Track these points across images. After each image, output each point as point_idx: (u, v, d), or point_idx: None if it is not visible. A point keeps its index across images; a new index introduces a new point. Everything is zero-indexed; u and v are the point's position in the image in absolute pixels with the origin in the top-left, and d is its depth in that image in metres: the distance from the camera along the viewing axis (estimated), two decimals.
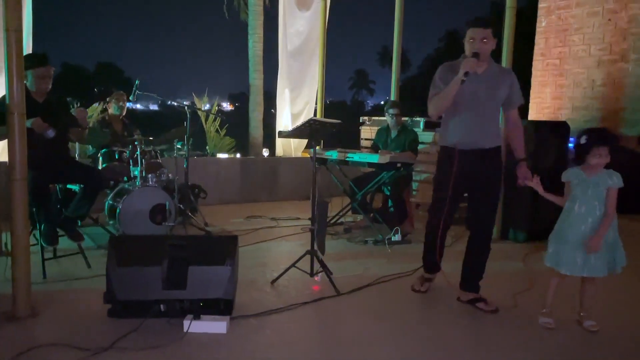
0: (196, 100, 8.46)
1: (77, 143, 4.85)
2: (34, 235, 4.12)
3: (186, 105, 4.95)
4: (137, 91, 5.10)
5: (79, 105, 6.72)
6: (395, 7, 6.46)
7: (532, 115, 10.28)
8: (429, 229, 3.63)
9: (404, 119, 6.09)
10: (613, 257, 3.14)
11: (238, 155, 7.57)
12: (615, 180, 3.06)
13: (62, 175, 4.08)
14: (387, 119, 5.86)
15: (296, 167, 7.38)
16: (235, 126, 10.89)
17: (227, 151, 8.35)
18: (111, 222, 4.88)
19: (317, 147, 5.23)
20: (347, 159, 5.39)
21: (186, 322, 3.00)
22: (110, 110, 5.52)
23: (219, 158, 7.38)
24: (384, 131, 5.95)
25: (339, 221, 5.86)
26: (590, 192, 3.10)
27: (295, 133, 3.81)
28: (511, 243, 5.40)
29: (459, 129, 3.33)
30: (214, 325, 3.01)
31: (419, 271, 4.00)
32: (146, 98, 5.93)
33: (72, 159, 4.25)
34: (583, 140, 3.07)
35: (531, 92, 10.30)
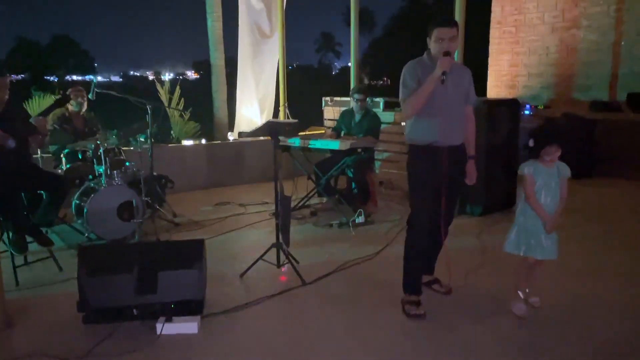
0: (158, 87, 8.38)
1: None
2: (3, 241, 4.19)
3: (146, 102, 4.96)
4: (96, 89, 5.10)
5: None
6: None
7: (491, 83, 10.54)
8: (413, 243, 3.46)
9: (367, 101, 6.24)
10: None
11: (203, 141, 7.60)
12: (568, 171, 3.32)
13: (26, 183, 4.13)
14: (351, 103, 6.00)
15: (261, 150, 7.49)
16: (201, 101, 10.82)
17: (192, 135, 8.38)
18: (79, 221, 4.96)
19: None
20: (310, 146, 5.53)
21: (159, 325, 3.17)
22: (70, 107, 5.50)
23: (184, 145, 7.42)
24: (347, 114, 6.10)
25: (305, 204, 6.04)
26: (553, 183, 3.27)
27: (256, 133, 3.93)
28: (468, 217, 5.68)
29: (432, 127, 3.31)
30: (185, 327, 3.19)
31: (398, 295, 3.55)
32: (105, 95, 5.86)
33: (35, 166, 4.29)
34: (531, 143, 3.23)
35: (489, 60, 10.52)
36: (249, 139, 7.18)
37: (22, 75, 49.35)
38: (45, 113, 4.08)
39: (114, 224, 4.83)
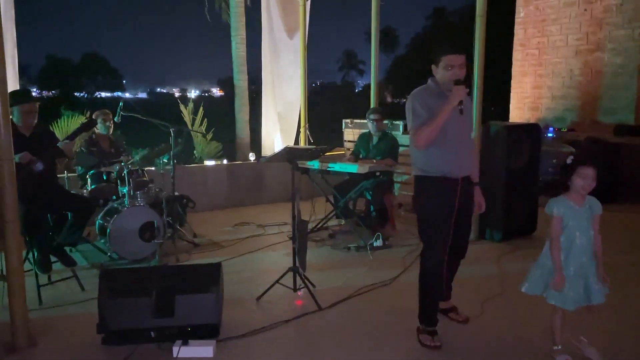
0: (182, 107, 8.56)
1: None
2: (28, 260, 4.32)
3: (169, 125, 5.09)
4: (122, 112, 5.25)
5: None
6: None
7: (514, 105, 10.50)
8: (427, 277, 3.36)
9: (384, 122, 6.29)
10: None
11: (225, 161, 7.72)
12: (600, 208, 3.08)
13: (52, 205, 4.26)
14: (368, 124, 6.06)
15: (281, 170, 7.56)
16: (224, 121, 11.00)
17: (214, 155, 8.51)
18: (102, 241, 5.07)
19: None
20: (329, 169, 5.58)
21: (175, 348, 3.22)
22: (97, 130, 5.67)
23: (206, 165, 7.54)
24: (365, 137, 6.15)
25: (324, 226, 6.08)
26: (585, 222, 3.02)
27: (274, 158, 3.99)
28: (488, 243, 5.64)
29: (446, 158, 3.24)
30: (201, 350, 3.23)
31: (413, 322, 3.48)
32: (131, 118, 6.04)
33: (62, 188, 4.43)
34: (569, 160, 3.05)
35: (512, 82, 10.50)
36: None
37: (53, 92, 50.79)
38: (72, 136, 4.22)
39: (135, 244, 4.94)
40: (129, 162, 5.10)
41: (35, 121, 4.19)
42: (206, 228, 6.30)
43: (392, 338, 3.50)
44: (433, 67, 3.28)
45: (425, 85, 3.36)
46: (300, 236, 4.09)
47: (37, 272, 4.08)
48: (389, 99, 41.67)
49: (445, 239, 3.28)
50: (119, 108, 5.24)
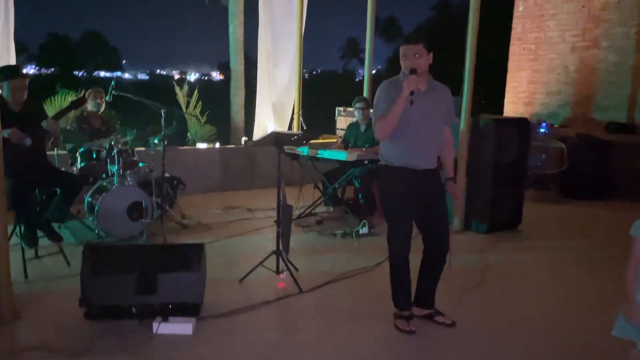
0: (176, 89, 8.57)
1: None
2: (16, 234, 4.37)
3: (160, 106, 5.10)
4: (113, 91, 5.26)
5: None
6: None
7: (508, 99, 10.53)
8: (395, 261, 3.41)
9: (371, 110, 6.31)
10: None
11: (217, 145, 7.75)
12: None
13: (40, 181, 4.30)
14: (355, 113, 6.11)
15: (274, 156, 7.58)
16: (221, 104, 11.01)
17: (208, 139, 8.54)
18: (90, 219, 5.12)
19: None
20: (318, 156, 5.63)
21: (155, 325, 3.28)
22: (89, 107, 5.69)
23: (198, 148, 7.58)
24: (354, 127, 6.20)
25: (311, 212, 6.13)
26: None
27: (261, 143, 4.04)
28: (473, 234, 5.71)
29: (408, 149, 3.26)
30: (180, 327, 3.30)
31: (391, 308, 3.54)
32: (123, 97, 6.05)
33: (50, 164, 4.46)
34: None
35: (508, 76, 10.52)
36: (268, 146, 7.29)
37: (52, 70, 50.43)
38: (58, 115, 4.24)
39: (123, 223, 4.98)
40: (119, 141, 5.13)
41: (25, 97, 4.21)
42: (196, 210, 6.35)
43: (368, 322, 3.57)
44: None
45: (396, 77, 3.35)
46: (285, 220, 4.14)
47: (23, 246, 4.13)
48: None
49: (405, 228, 3.31)
50: (110, 87, 5.25)
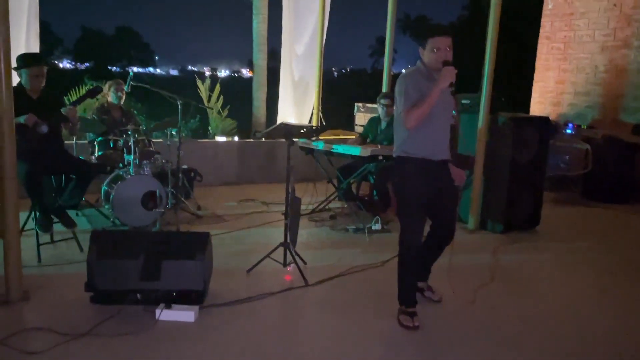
0: (198, 83, 8.66)
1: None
2: (32, 219, 4.47)
3: (177, 97, 5.16)
4: (132, 82, 5.35)
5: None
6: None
7: (535, 99, 10.32)
8: (408, 253, 3.36)
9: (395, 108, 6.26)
10: None
11: (236, 138, 7.80)
12: None
13: (54, 167, 4.39)
14: (378, 108, 6.06)
15: (295, 150, 7.60)
16: (248, 99, 11.09)
17: (228, 133, 8.60)
18: (106, 207, 5.21)
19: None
20: (332, 150, 5.61)
21: (158, 311, 3.32)
22: (109, 99, 5.79)
23: (217, 141, 7.65)
24: (374, 122, 6.16)
25: (325, 207, 6.12)
26: None
27: (270, 134, 4.04)
28: (488, 234, 5.61)
29: (429, 140, 3.29)
30: (183, 314, 3.33)
31: (397, 305, 3.50)
32: (141, 88, 6.13)
33: (65, 151, 4.55)
34: None
35: (535, 75, 10.30)
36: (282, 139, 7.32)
37: (87, 64, 51.57)
38: (76, 102, 4.33)
39: (137, 211, 5.05)
40: (136, 131, 5.20)
41: (43, 85, 4.30)
42: (211, 202, 6.41)
43: (372, 318, 3.54)
44: (420, 49, 3.29)
45: (415, 67, 3.35)
46: (293, 212, 4.14)
47: (38, 231, 4.23)
48: None
49: (420, 222, 3.33)
50: (129, 78, 5.34)
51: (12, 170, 3.37)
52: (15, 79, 4.17)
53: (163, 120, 5.43)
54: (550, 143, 7.90)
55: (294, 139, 4.15)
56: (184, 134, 5.45)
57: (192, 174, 6.52)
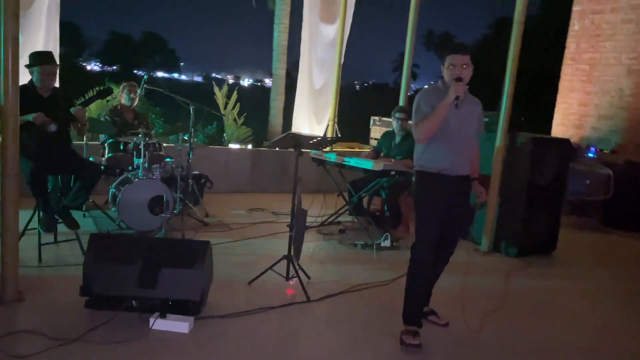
0: (215, 90, 8.63)
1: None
2: (35, 218, 4.42)
3: (189, 102, 5.11)
4: (145, 85, 5.32)
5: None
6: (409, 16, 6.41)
7: (557, 121, 10.10)
8: (418, 269, 3.35)
9: (409, 122, 6.14)
10: None
11: (249, 147, 7.74)
12: None
13: (60, 166, 4.33)
14: (393, 123, 5.94)
15: (306, 161, 7.52)
16: (266, 108, 11.07)
17: (243, 140, 8.55)
18: (113, 209, 5.16)
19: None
20: (344, 163, 5.50)
21: (151, 320, 3.22)
22: (122, 101, 5.77)
23: (230, 148, 7.59)
24: (388, 136, 6.03)
25: (335, 221, 6.00)
26: None
27: (277, 144, 3.95)
28: (502, 257, 5.43)
29: (443, 154, 3.31)
30: (177, 325, 3.22)
31: (401, 325, 3.41)
32: (155, 91, 6.14)
33: (72, 151, 4.50)
34: None
35: (558, 96, 10.09)
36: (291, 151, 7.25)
37: (114, 68, 52.34)
38: (86, 103, 4.30)
39: (143, 215, 4.98)
40: (147, 135, 5.15)
41: (54, 84, 4.28)
42: (220, 209, 6.32)
43: (372, 338, 3.40)
44: (442, 67, 3.34)
45: (435, 84, 3.42)
46: (298, 225, 4.03)
47: (40, 230, 4.18)
48: None
49: (432, 235, 3.31)
50: (142, 81, 5.31)
51: (13, 168, 3.32)
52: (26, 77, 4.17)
53: (175, 125, 5.38)
54: (571, 166, 7.74)
55: (305, 150, 4.06)
56: (195, 140, 5.39)
57: (203, 180, 6.47)
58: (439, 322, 3.60)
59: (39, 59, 4.18)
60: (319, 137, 3.91)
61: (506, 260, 5.32)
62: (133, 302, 3.37)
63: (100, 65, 56.26)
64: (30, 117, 3.90)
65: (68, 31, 53.39)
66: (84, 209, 5.11)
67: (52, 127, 4.07)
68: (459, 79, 3.17)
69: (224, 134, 8.75)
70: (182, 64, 71.38)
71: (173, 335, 3.18)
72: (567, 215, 7.34)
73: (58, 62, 4.30)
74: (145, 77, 5.30)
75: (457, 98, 3.14)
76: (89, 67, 52.54)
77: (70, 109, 4.20)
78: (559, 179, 5.51)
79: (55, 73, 4.27)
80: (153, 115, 10.90)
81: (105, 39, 59.30)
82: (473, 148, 3.47)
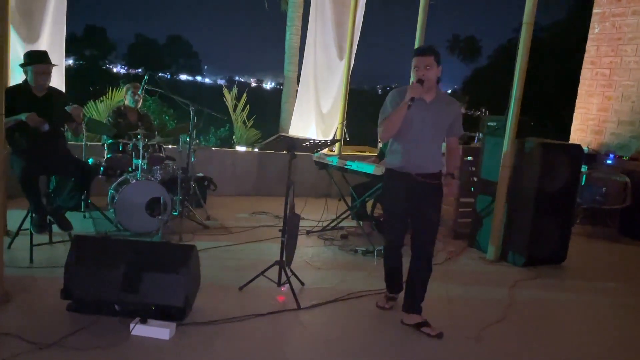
0: (225, 91, 8.58)
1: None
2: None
3: (189, 103, 5.05)
4: (146, 86, 5.27)
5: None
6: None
7: (576, 126, 9.81)
8: (386, 246, 3.80)
9: None
10: None
11: (256, 150, 7.65)
12: None
13: (52, 167, 4.30)
14: None
15: (309, 164, 7.41)
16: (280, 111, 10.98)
17: (252, 142, 8.48)
18: (111, 210, 5.12)
19: (321, 151, 5.30)
20: (346, 167, 5.37)
21: (132, 325, 3.14)
22: (126, 102, 5.74)
23: (237, 151, 7.51)
24: None
25: (338, 226, 5.87)
26: None
27: (268, 146, 3.85)
28: (508, 266, 5.24)
29: (405, 153, 3.47)
30: (157, 331, 3.13)
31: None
32: (155, 92, 6.11)
33: (67, 151, 4.47)
34: None
35: (577, 101, 9.80)
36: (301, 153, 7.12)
37: (139, 70, 52.99)
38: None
39: (141, 217, 4.94)
40: (147, 136, 5.10)
41: (48, 83, 4.25)
42: (223, 212, 6.25)
43: (360, 349, 3.27)
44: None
45: (404, 86, 3.49)
46: (290, 229, 3.92)
47: (32, 231, 4.14)
48: (463, 110, 40.38)
49: (395, 228, 3.65)
50: (143, 81, 5.27)
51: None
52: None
53: (176, 126, 5.32)
54: (587, 173, 7.49)
55: (308, 153, 4.04)
56: (203, 142, 5.32)
57: (206, 182, 6.40)
58: (431, 333, 3.47)
59: (33, 58, 4.16)
60: (311, 139, 3.80)
61: (513, 270, 5.13)
62: (116, 306, 3.30)
63: (125, 68, 57.03)
64: (22, 116, 3.88)
65: (94, 34, 54.39)
66: (82, 209, 5.07)
67: (45, 127, 4.05)
68: (419, 81, 3.31)
69: (233, 137, 8.69)
70: (205, 67, 71.90)
71: (153, 342, 3.09)
72: (581, 224, 7.10)
73: (53, 62, 4.26)
74: (146, 77, 5.26)
75: (412, 99, 3.26)
76: (115, 70, 53.31)
77: (66, 107, 4.16)
78: (569, 186, 5.30)
79: (49, 72, 4.24)
80: (166, 117, 10.93)
81: (130, 41, 60.09)
82: (439, 148, 3.57)
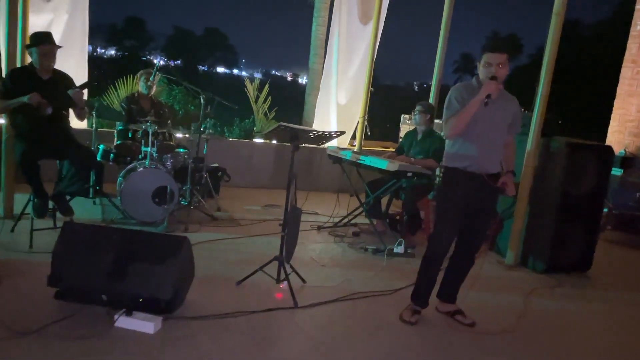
0: (247, 82, 8.47)
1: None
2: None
3: (200, 91, 4.93)
4: (157, 73, 5.18)
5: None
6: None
7: (613, 127, 9.32)
8: (430, 256, 3.50)
9: (436, 121, 5.73)
10: None
11: (274, 141, 7.50)
12: None
13: (53, 150, 4.23)
14: (414, 117, 5.59)
15: (325, 158, 7.22)
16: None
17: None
18: (119, 197, 5.05)
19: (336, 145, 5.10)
20: (359, 162, 5.17)
21: (116, 317, 3.03)
22: (139, 89, 5.67)
23: (254, 142, 7.38)
24: (410, 135, 5.67)
25: (350, 223, 5.67)
26: None
27: (268, 136, 3.69)
28: (528, 272, 4.94)
29: (471, 151, 3.33)
30: (141, 324, 3.01)
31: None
32: (166, 79, 6.04)
33: (69, 136, 4.40)
34: None
35: (615, 101, 9.31)
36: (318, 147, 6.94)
37: (178, 62, 53.66)
38: (86, 85, 4.18)
39: (146, 206, 4.85)
40: (156, 123, 5.00)
41: (53, 65, 4.18)
42: (234, 204, 6.13)
43: (353, 353, 3.08)
44: (477, 64, 3.34)
45: (468, 81, 3.43)
46: (291, 224, 3.75)
47: (32, 216, 4.09)
48: None
49: (450, 231, 3.39)
50: (155, 69, 5.18)
51: None
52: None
53: (185, 115, 5.22)
54: (622, 177, 7.08)
55: (316, 145, 3.86)
56: (211, 132, 5.20)
57: (220, 173, 6.29)
58: (465, 322, 3.56)
59: (38, 39, 4.09)
60: (316, 130, 3.61)
61: (532, 277, 4.84)
62: (103, 296, 3.19)
63: (165, 59, 57.87)
64: (25, 98, 3.82)
65: (133, 25, 55.28)
66: (91, 196, 5.02)
67: (48, 110, 3.98)
68: (493, 78, 3.16)
69: (254, 128, 8.57)
70: (242, 60, 72.34)
71: (136, 335, 2.97)
72: (611, 231, 6.71)
73: (58, 44, 4.19)
74: (158, 65, 5.17)
75: (488, 96, 3.13)
76: (155, 61, 54.12)
77: (68, 91, 4.09)
78: (597, 190, 4.96)
79: (54, 54, 4.17)
80: (192, 107, 10.89)
81: (169, 33, 60.91)
82: (502, 147, 3.44)
